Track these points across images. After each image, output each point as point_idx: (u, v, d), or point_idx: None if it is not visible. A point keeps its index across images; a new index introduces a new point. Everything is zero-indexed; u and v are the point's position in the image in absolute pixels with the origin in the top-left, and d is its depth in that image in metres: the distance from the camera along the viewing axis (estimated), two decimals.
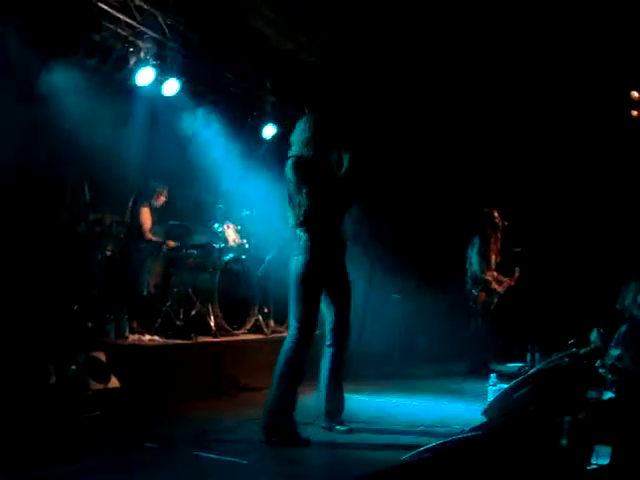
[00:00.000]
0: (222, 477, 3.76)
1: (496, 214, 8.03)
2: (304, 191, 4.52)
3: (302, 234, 4.58)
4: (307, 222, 4.56)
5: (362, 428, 4.80)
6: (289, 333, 4.57)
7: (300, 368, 4.50)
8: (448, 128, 9.61)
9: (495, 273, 8.04)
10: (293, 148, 4.71)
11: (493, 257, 8.04)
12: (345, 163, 4.62)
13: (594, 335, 6.56)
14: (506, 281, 8.04)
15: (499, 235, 8.08)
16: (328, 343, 4.79)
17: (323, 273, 4.60)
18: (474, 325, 8.01)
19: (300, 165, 4.56)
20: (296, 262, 4.56)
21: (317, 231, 4.56)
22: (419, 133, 9.73)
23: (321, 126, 4.69)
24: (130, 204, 7.02)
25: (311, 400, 4.86)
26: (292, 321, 4.57)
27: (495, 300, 8.00)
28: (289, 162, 4.61)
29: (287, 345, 4.51)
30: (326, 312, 4.78)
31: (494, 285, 7.95)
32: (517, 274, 8.06)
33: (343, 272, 4.81)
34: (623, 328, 6.68)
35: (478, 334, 7.97)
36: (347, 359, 4.93)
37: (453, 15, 7.63)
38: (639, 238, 8.31)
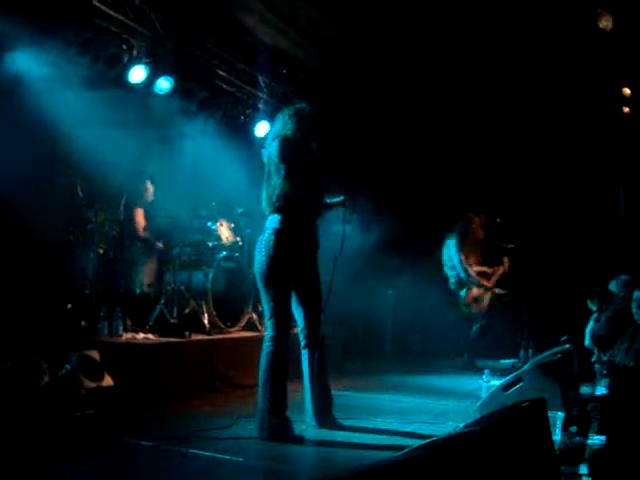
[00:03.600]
0: (217, 475, 3.76)
1: (472, 215, 8.01)
2: (282, 172, 4.46)
3: (269, 222, 4.51)
4: (279, 207, 4.48)
5: (356, 425, 4.81)
6: (266, 333, 4.53)
7: (283, 366, 4.47)
8: (443, 126, 9.63)
9: (480, 268, 8.00)
10: (278, 134, 4.62)
11: (473, 255, 8.00)
12: (326, 150, 4.55)
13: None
14: (496, 274, 7.98)
15: (479, 233, 8.03)
16: (302, 345, 4.72)
17: (288, 270, 4.49)
18: (469, 325, 7.99)
19: (286, 144, 4.49)
20: (259, 260, 4.48)
21: (287, 220, 4.46)
22: (413, 131, 9.74)
23: (304, 117, 4.63)
24: (122, 203, 7.00)
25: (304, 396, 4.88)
26: (267, 321, 4.53)
27: (488, 295, 7.96)
28: (276, 141, 4.54)
29: (266, 345, 4.48)
30: (295, 313, 4.70)
31: (483, 282, 7.91)
32: (507, 263, 7.99)
33: (312, 271, 4.71)
34: None
35: (472, 333, 7.97)
36: (327, 357, 4.85)
37: (446, 17, 7.65)
38: (633, 235, 8.36)
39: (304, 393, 4.75)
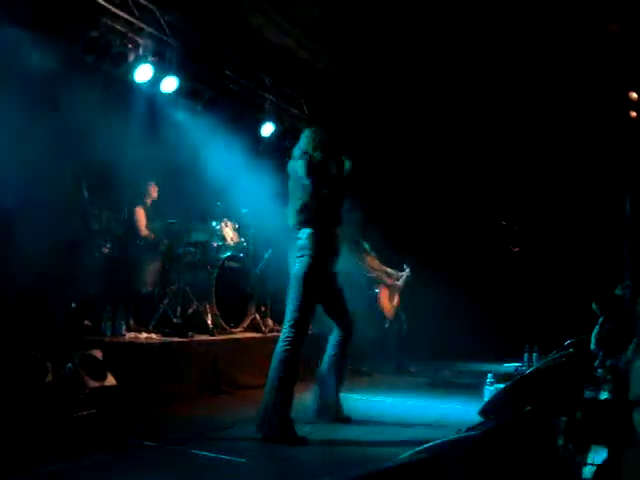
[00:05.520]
0: (220, 475, 3.76)
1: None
2: (307, 187, 4.70)
3: (302, 233, 4.68)
4: (306, 220, 4.68)
5: (358, 427, 4.82)
6: (283, 334, 4.62)
7: (295, 368, 4.56)
8: (448, 128, 9.62)
9: (385, 268, 8.02)
10: (302, 152, 4.90)
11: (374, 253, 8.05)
12: (346, 167, 4.83)
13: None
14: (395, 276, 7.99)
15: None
16: (337, 340, 4.98)
17: (323, 275, 4.72)
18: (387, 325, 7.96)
19: (310, 163, 4.76)
20: (300, 262, 4.65)
21: (316, 230, 4.67)
22: (417, 134, 9.73)
23: (325, 138, 4.93)
24: (127, 202, 7.00)
25: (308, 398, 4.88)
26: (287, 322, 4.62)
27: (395, 299, 7.93)
28: (303, 159, 4.80)
29: (281, 345, 4.56)
30: (330, 321, 4.99)
31: (384, 278, 7.89)
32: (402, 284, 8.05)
33: (335, 277, 4.96)
34: None
35: (389, 333, 7.94)
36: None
37: (451, 20, 7.65)
38: (639, 238, 8.34)
39: (321, 386, 4.92)
